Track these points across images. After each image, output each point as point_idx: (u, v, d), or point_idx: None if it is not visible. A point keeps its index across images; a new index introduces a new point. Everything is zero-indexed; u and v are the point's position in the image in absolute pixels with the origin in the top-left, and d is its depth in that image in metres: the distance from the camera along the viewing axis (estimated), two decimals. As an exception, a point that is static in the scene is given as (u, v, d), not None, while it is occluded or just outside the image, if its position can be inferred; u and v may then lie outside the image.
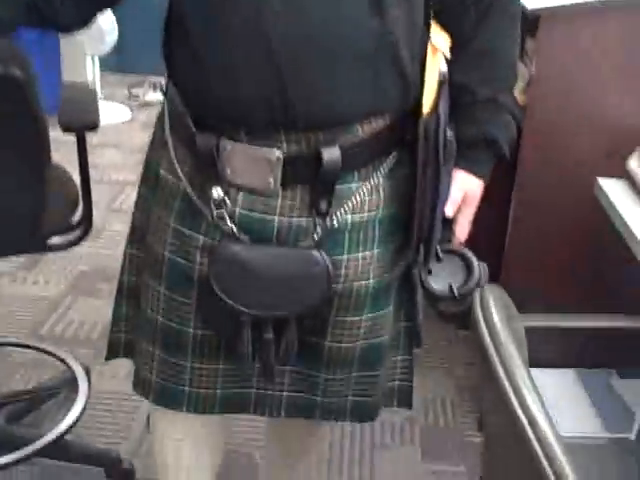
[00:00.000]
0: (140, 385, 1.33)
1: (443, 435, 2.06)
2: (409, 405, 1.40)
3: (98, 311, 2.47)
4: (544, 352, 1.43)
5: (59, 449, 1.81)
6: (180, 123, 1.19)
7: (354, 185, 1.17)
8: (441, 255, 1.22)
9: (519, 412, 0.96)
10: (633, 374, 1.92)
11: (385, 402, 1.38)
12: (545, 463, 0.92)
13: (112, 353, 1.42)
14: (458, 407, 2.16)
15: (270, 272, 1.17)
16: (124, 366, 2.20)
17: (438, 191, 1.17)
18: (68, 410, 1.89)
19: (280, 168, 1.13)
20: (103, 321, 2.41)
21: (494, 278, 1.26)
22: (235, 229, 1.16)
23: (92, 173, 1.77)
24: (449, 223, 1.25)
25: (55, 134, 1.59)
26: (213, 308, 1.21)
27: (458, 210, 1.25)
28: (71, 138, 1.69)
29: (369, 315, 1.26)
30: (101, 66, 4.08)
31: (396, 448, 2.01)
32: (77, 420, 1.85)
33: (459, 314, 1.28)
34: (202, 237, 1.19)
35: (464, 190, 1.24)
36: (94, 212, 1.76)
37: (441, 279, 1.22)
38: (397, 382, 1.38)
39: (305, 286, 1.18)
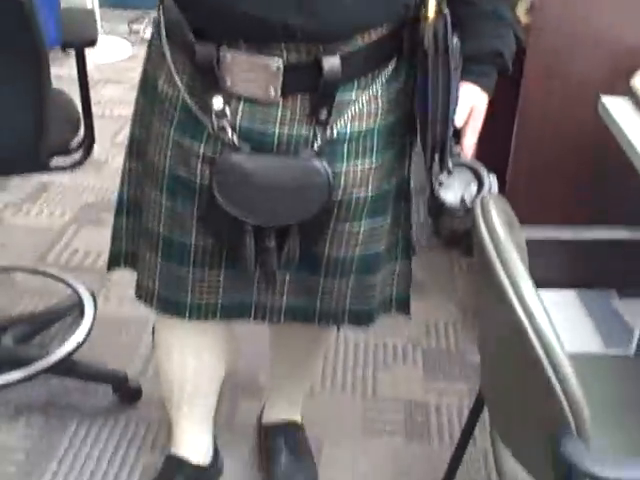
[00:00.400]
0: (143, 293, 1.35)
1: (445, 357, 2.09)
2: (407, 311, 1.43)
3: (102, 241, 2.42)
4: (545, 270, 1.43)
5: (67, 367, 1.84)
6: (178, 33, 1.19)
7: (353, 94, 1.18)
8: (451, 167, 1.22)
9: (524, 321, 0.96)
10: (633, 294, 1.93)
11: (384, 309, 1.41)
12: (550, 370, 0.93)
13: (114, 263, 1.44)
14: (461, 330, 2.18)
15: (272, 182, 1.18)
16: (130, 292, 2.24)
17: (450, 96, 1.17)
18: (75, 332, 1.91)
19: (280, 77, 1.13)
20: (107, 250, 2.42)
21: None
22: (236, 139, 1.17)
23: (94, 109, 1.77)
24: (457, 137, 1.24)
25: (55, 70, 1.58)
26: (215, 218, 1.22)
27: (465, 124, 1.25)
28: (72, 73, 1.67)
29: (367, 225, 1.28)
30: (100, 1, 4.02)
31: (398, 369, 2.04)
32: (85, 339, 1.88)
33: (461, 233, 1.29)
34: (203, 148, 1.20)
35: (471, 103, 1.24)
36: (97, 146, 1.76)
37: (452, 191, 1.22)
38: (395, 289, 1.41)
39: (307, 196, 1.19)
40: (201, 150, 1.20)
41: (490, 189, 1.22)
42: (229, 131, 1.17)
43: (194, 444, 1.60)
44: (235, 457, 1.74)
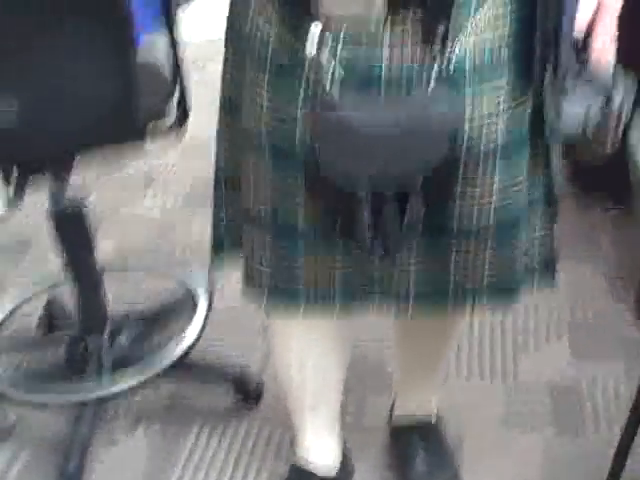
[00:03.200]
0: (251, 282, 1.22)
1: (595, 330, 1.85)
2: (551, 283, 1.22)
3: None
4: None
5: (184, 370, 1.76)
6: None
7: (472, 10, 0.99)
8: (574, 85, 1.01)
9: None
10: None
11: (526, 281, 1.20)
12: None
13: (217, 251, 1.33)
14: (610, 298, 1.93)
15: (384, 132, 0.99)
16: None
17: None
18: (188, 330, 1.83)
19: None
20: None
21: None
22: (336, 91, 0.99)
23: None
24: (584, 46, 1.03)
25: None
26: (324, 192, 1.06)
27: (593, 22, 1.02)
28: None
29: (502, 169, 1.07)
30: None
31: (542, 347, 1.82)
32: (198, 338, 1.79)
33: (599, 157, 1.08)
34: (299, 108, 1.05)
35: None
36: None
37: (576, 105, 1.02)
38: (537, 259, 1.20)
39: (426, 139, 1.00)
40: (298, 112, 1.05)
41: (622, 103, 1.01)
42: (327, 78, 0.99)
43: (320, 450, 1.48)
44: (366, 459, 1.59)
